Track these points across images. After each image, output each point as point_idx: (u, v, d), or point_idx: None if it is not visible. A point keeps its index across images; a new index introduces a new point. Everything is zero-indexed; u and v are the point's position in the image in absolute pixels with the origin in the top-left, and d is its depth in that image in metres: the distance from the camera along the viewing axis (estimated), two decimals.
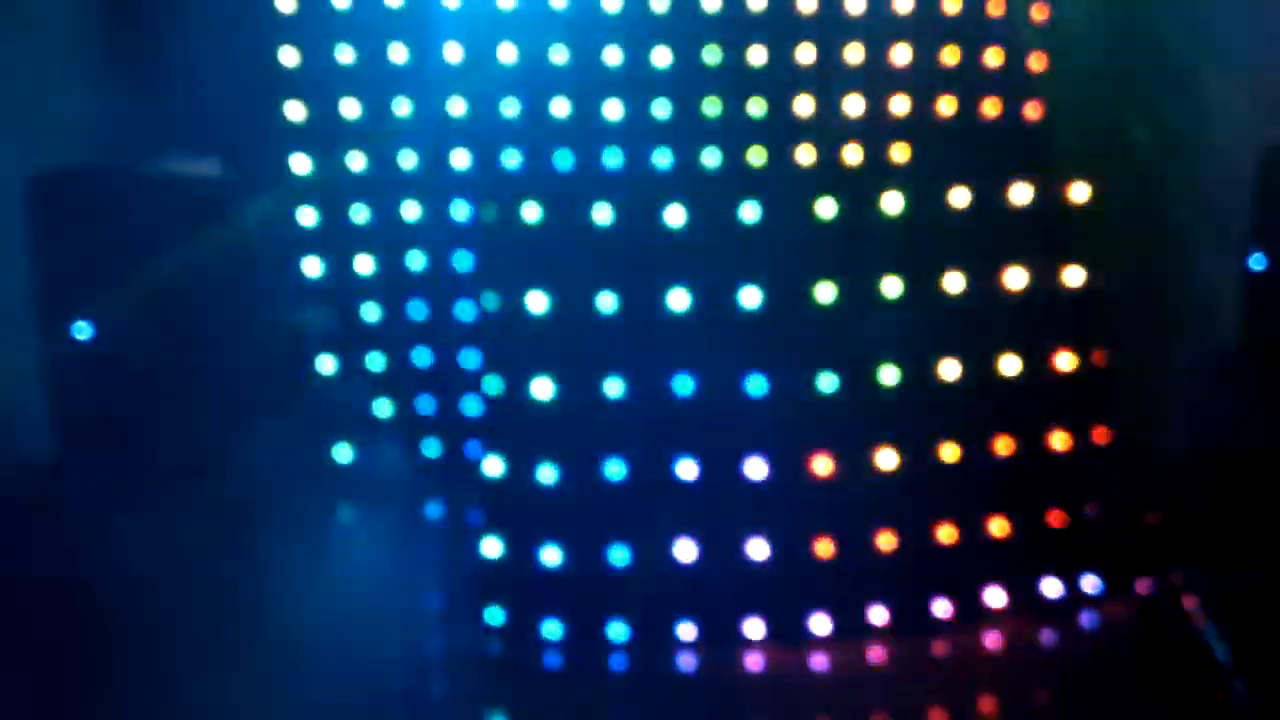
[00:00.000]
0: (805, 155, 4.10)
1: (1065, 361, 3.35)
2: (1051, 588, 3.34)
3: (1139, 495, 3.37)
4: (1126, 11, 4.34)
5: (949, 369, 3.27)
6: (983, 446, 3.29)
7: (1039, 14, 4.40)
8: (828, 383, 3.19)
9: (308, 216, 4.07)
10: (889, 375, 3.23)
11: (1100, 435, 3.40)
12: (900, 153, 4.08)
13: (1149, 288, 4.03)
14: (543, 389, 3.18)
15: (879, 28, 4.22)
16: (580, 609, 3.13)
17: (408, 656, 3.08)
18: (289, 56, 4.10)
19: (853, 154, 4.09)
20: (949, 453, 3.26)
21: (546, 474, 3.15)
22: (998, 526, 3.30)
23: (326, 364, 3.91)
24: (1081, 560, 3.36)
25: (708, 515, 3.15)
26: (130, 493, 2.89)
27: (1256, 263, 3.00)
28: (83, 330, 2.80)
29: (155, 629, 2.72)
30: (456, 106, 4.11)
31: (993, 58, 4.35)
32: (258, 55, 4.05)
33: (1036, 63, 4.41)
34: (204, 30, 3.92)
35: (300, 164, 4.08)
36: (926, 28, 4.25)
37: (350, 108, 4.12)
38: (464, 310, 4.03)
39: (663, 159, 4.05)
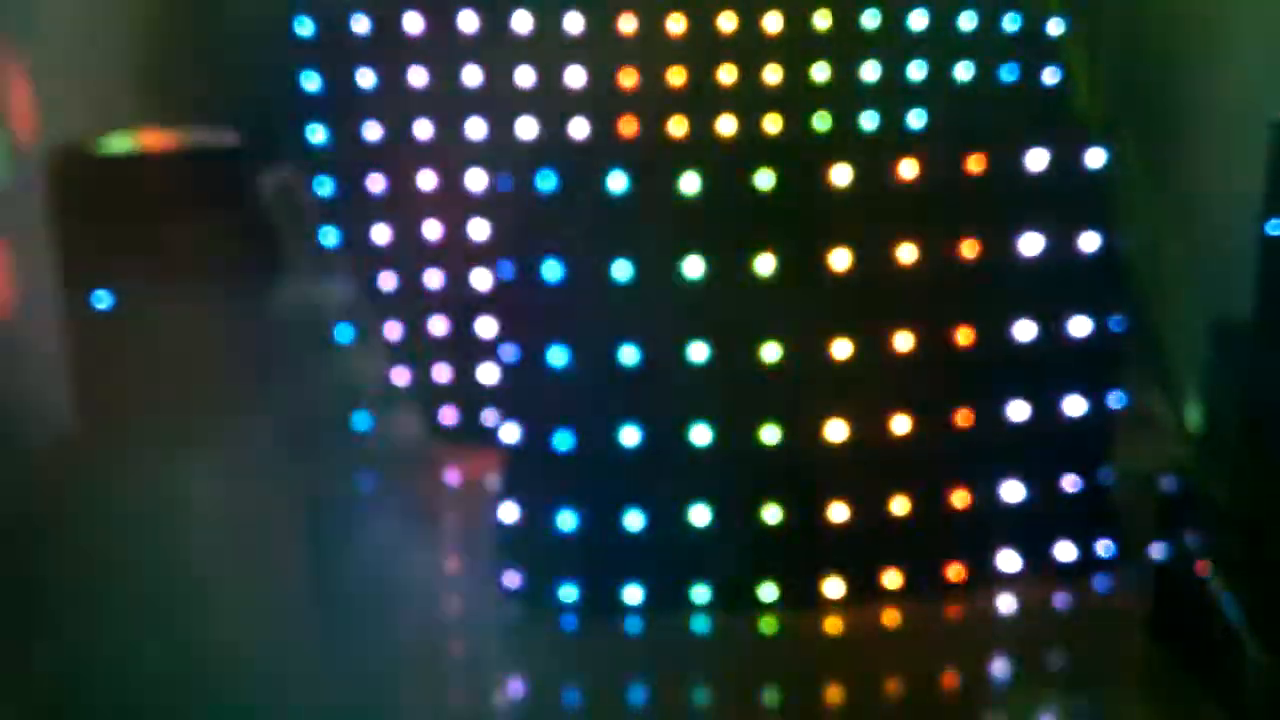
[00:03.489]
0: (820, 122, 4.10)
1: (1080, 327, 3.35)
2: (1065, 551, 3.36)
3: (1153, 462, 3.38)
4: None
5: (964, 334, 3.27)
6: (997, 411, 3.30)
7: None
8: (841, 349, 3.20)
9: (325, 187, 4.11)
10: (903, 341, 3.23)
11: (1114, 400, 3.40)
12: (915, 119, 4.08)
13: (1165, 253, 4.02)
14: (558, 357, 3.20)
15: None
16: (595, 573, 3.17)
17: (425, 620, 3.12)
18: (305, 27, 4.12)
19: (868, 121, 4.09)
20: (963, 417, 3.27)
21: (562, 440, 3.18)
22: (1012, 490, 3.31)
23: (344, 333, 3.94)
24: (1095, 524, 3.38)
25: (722, 480, 3.17)
26: (149, 461, 2.92)
27: (1274, 228, 2.98)
28: (102, 300, 2.83)
29: (173, 596, 2.76)
30: (473, 77, 4.13)
31: (1010, 22, 4.33)
32: (275, 25, 4.08)
33: (1055, 27, 4.39)
34: (221, 2, 3.94)
35: (317, 134, 4.11)
36: None
37: (366, 77, 4.14)
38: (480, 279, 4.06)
39: (678, 127, 4.06)
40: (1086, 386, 3.35)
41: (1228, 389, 3.17)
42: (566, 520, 3.18)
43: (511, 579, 3.27)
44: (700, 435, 3.17)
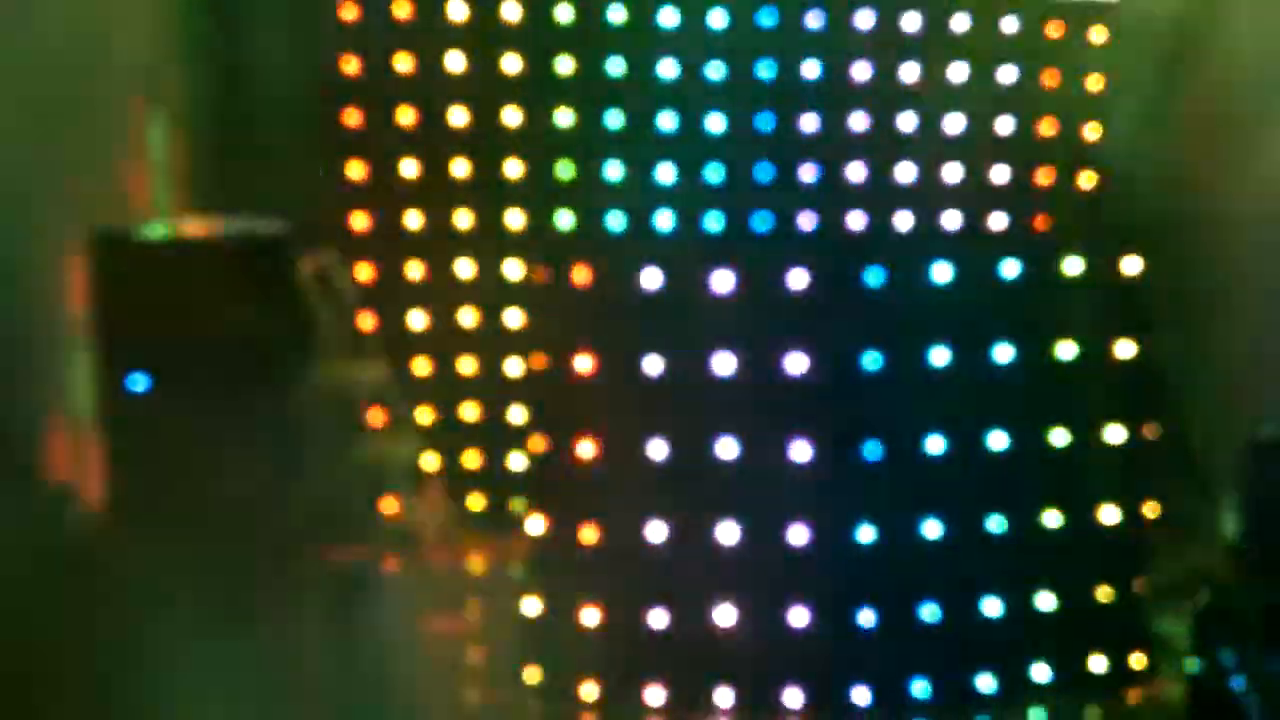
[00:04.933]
0: (856, 221, 4.13)
1: (1116, 434, 3.32)
2: (1098, 664, 3.29)
3: (1189, 574, 3.32)
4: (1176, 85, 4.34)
5: (997, 439, 3.24)
6: (1031, 518, 3.26)
7: (1094, 84, 4.41)
8: (871, 451, 3.18)
9: (364, 273, 4.16)
10: (936, 445, 3.21)
11: (1150, 510, 3.35)
12: (951, 221, 4.10)
13: (1201, 360, 3.98)
14: (586, 448, 3.20)
15: (932, 97, 4.26)
16: (618, 671, 3.13)
17: (447, 712, 3.09)
18: (352, 118, 4.21)
19: (903, 221, 4.12)
20: (996, 524, 3.23)
21: (588, 534, 3.16)
22: (1045, 600, 3.26)
23: (376, 417, 3.96)
24: (1129, 636, 3.31)
25: (748, 580, 3.14)
26: (179, 541, 2.94)
27: None
28: (138, 383, 2.86)
29: (197, 678, 2.75)
30: (513, 168, 4.19)
31: (1047, 127, 4.36)
32: (320, 114, 4.16)
33: (1091, 132, 4.41)
34: (267, 89, 4.03)
35: (359, 222, 4.18)
36: (980, 96, 4.28)
37: (410, 166, 4.20)
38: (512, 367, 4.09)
39: (713, 223, 4.09)
40: (1121, 496, 3.31)
41: (1265, 501, 3.12)
42: (589, 616, 3.15)
43: (531, 675, 3.23)
44: (727, 533, 3.14)
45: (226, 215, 3.20)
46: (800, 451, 3.16)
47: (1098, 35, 4.38)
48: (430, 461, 4.08)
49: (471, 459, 4.16)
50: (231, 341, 2.95)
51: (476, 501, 4.11)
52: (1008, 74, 4.29)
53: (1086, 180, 4.35)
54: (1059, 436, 3.27)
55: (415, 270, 4.20)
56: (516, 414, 4.09)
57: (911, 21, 4.22)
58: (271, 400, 3.03)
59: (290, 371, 3.10)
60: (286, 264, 3.11)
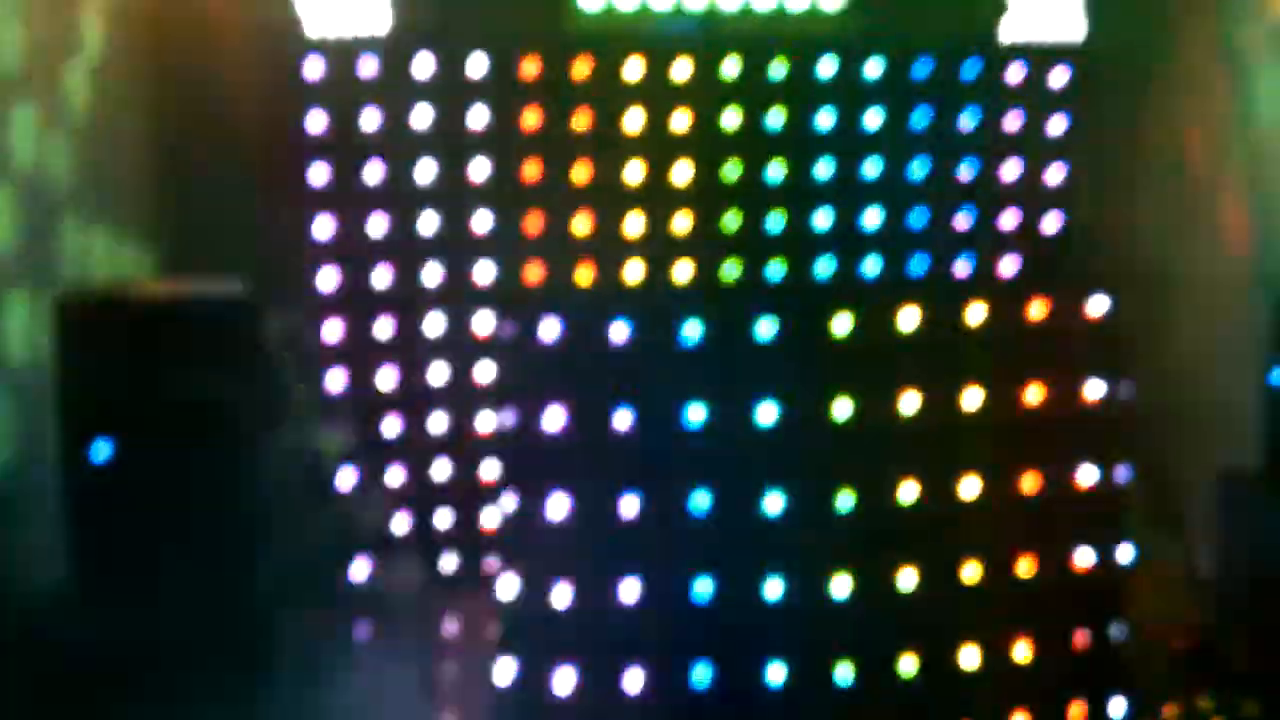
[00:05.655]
0: (823, 268, 4.14)
1: (1087, 478, 3.31)
2: (1077, 711, 3.26)
3: (1165, 616, 3.31)
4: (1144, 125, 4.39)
5: (969, 486, 3.23)
6: (1005, 566, 3.24)
7: (1057, 127, 4.45)
8: (845, 501, 3.16)
9: (332, 331, 4.14)
10: (908, 493, 3.19)
11: (1124, 553, 3.34)
12: (918, 265, 4.12)
13: (1170, 404, 4.00)
14: (559, 505, 3.16)
15: (897, 141, 4.29)
16: None
17: None
18: (319, 175, 4.20)
19: (871, 267, 4.13)
20: (971, 572, 3.21)
21: (561, 595, 3.12)
22: (1022, 648, 3.23)
23: (346, 479, 3.93)
24: (1107, 682, 3.29)
25: (724, 637, 3.10)
26: (147, 611, 2.89)
27: (1278, 378, 2.97)
28: (101, 451, 2.83)
29: None
30: (482, 222, 4.19)
31: (1010, 171, 4.39)
32: (287, 172, 4.15)
33: (1055, 176, 4.45)
34: (233, 149, 4.02)
35: (327, 280, 4.16)
36: (944, 142, 4.32)
37: (377, 225, 4.20)
38: (484, 423, 4.06)
39: (682, 274, 4.10)
40: (1095, 538, 3.29)
41: (1239, 543, 3.12)
42: (564, 678, 3.11)
43: None
44: (702, 588, 3.11)
45: (192, 277, 3.18)
46: (772, 504, 3.14)
47: (1059, 78, 4.42)
48: (401, 522, 4.04)
49: (443, 517, 4.13)
50: (197, 405, 2.93)
51: (449, 561, 4.08)
52: (969, 120, 4.33)
53: (1050, 224, 4.38)
54: (1029, 481, 3.26)
55: (384, 328, 4.18)
56: (489, 469, 4.07)
57: (874, 69, 4.26)
58: (238, 464, 3.00)
59: (257, 435, 3.07)
60: (252, 326, 3.09)
